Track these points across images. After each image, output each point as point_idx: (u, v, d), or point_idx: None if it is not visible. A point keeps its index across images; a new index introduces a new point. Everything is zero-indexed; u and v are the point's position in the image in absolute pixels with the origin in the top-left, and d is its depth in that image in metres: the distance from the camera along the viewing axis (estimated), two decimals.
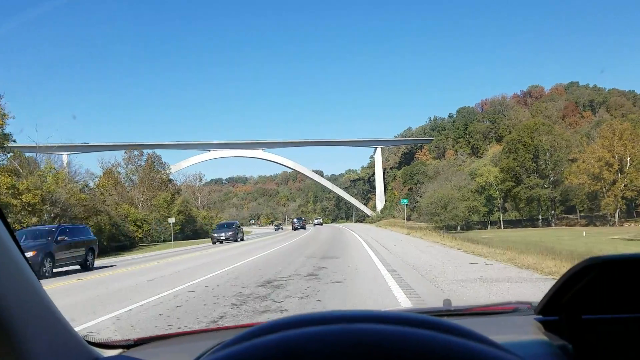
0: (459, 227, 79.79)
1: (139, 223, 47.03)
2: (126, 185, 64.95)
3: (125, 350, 1.74)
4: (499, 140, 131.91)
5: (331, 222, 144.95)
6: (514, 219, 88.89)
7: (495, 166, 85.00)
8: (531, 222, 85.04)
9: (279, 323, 0.62)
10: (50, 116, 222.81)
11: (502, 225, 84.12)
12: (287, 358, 0.56)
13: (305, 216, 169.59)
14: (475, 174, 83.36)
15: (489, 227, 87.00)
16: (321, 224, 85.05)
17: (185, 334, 2.02)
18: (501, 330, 1.55)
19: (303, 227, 58.58)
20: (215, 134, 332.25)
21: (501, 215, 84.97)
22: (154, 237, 59.12)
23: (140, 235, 47.42)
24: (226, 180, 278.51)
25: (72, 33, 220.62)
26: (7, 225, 1.02)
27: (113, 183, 55.53)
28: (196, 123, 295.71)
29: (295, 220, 64.09)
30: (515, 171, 78.44)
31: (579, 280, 1.17)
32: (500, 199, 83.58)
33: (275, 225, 63.67)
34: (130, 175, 67.47)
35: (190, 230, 69.20)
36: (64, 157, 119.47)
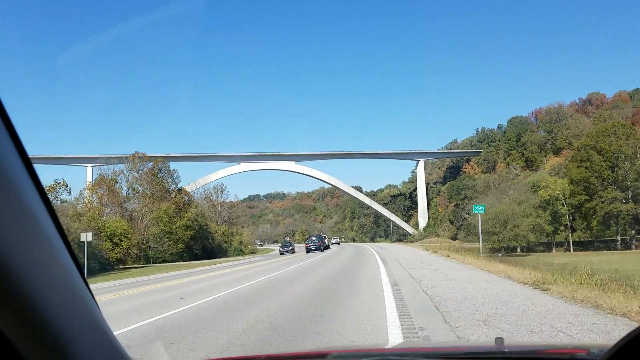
0: (518, 249, 66.03)
1: (116, 240, 36.32)
2: (128, 195, 54.70)
3: None
4: (556, 152, 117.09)
5: (369, 241, 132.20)
6: (582, 239, 74.17)
7: (561, 178, 70.90)
8: (604, 244, 70.31)
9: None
10: (75, 129, 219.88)
11: (570, 247, 69.71)
12: None
13: (342, 234, 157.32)
14: (538, 187, 69.42)
15: (553, 249, 72.62)
16: (339, 244, 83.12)
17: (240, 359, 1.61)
18: None
19: (320, 249, 44.83)
20: (246, 147, 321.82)
21: (570, 235, 70.56)
22: (152, 257, 48.30)
23: (117, 256, 36.62)
24: (264, 196, 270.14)
25: (91, 41, 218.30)
26: (61, 231, 0.96)
27: (102, 193, 45.20)
28: (226, 135, 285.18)
29: (310, 239, 48.36)
30: (589, 182, 64.30)
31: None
32: (569, 216, 69.28)
33: (282, 245, 53.13)
34: (134, 184, 57.29)
35: (200, 248, 58.27)
36: (88, 169, 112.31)
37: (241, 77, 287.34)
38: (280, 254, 46.47)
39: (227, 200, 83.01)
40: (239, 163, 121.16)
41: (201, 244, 60.78)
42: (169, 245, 50.51)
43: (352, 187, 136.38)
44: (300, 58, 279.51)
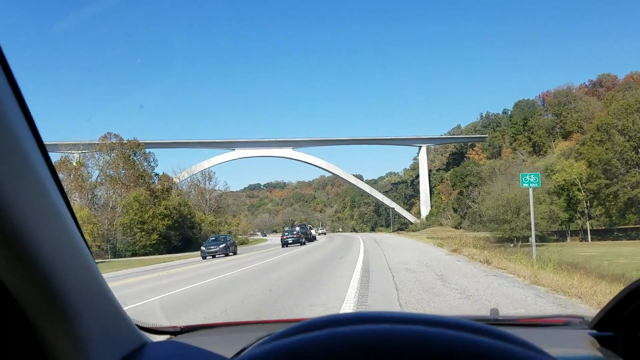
0: (530, 239, 59.48)
1: None
2: (99, 181, 48.32)
3: (173, 336, 1.74)
4: (565, 136, 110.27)
5: (368, 231, 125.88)
6: (597, 228, 67.59)
7: (577, 161, 64.25)
8: (624, 233, 63.80)
9: (327, 320, 0.59)
10: (64, 115, 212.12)
11: (589, 236, 63.18)
12: (333, 355, 0.53)
13: (342, 223, 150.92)
14: (552, 170, 62.79)
15: (568, 238, 66.10)
16: (324, 234, 79.48)
17: (232, 324, 2.01)
18: (553, 343, 1.46)
19: (300, 242, 35.89)
20: (241, 133, 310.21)
21: (588, 223, 63.98)
22: (121, 250, 41.99)
23: None
24: (264, 185, 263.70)
25: (88, 30, 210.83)
26: (71, 211, 1.01)
27: (62, 178, 38.80)
28: (220, 121, 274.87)
29: (288, 230, 40.00)
30: (610, 165, 57.62)
31: (636, 299, 1.09)
32: (586, 202, 62.68)
33: (286, 232, 41.53)
34: (106, 169, 50.88)
35: (179, 239, 51.92)
36: (75, 156, 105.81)
37: (236, 60, 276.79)
38: (283, 245, 35.34)
39: (216, 188, 76.54)
40: (234, 150, 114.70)
41: (182, 235, 54.46)
42: (140, 237, 44.28)
43: (353, 175, 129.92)
44: (299, 41, 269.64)
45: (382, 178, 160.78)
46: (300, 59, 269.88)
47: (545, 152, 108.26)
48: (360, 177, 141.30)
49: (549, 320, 1.77)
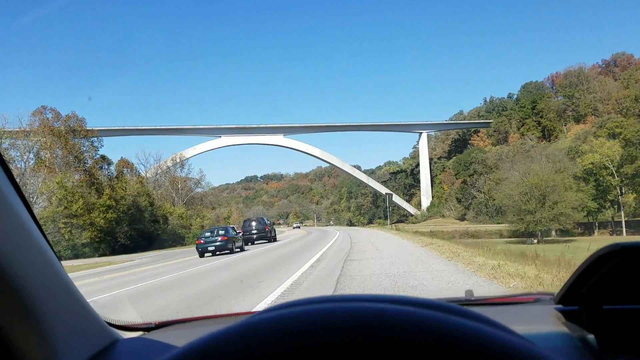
0: (553, 232, 49.11)
1: None
2: (29, 165, 37.90)
3: (146, 332, 1.63)
4: (578, 120, 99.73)
5: (366, 224, 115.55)
6: (630, 219, 57.09)
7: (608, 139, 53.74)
8: None
9: (303, 300, 0.58)
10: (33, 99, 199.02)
11: (623, 229, 52.73)
12: (290, 333, 0.50)
13: (339, 215, 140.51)
14: (577, 152, 52.28)
15: (595, 231, 55.65)
16: (299, 227, 72.37)
17: (207, 318, 1.94)
18: (521, 319, 1.48)
19: (228, 248, 22.55)
20: (228, 119, 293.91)
21: (623, 213, 53.48)
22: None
23: None
24: (261, 177, 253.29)
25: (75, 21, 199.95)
26: (28, 207, 0.98)
27: None
28: (205, 107, 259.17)
29: (209, 230, 24.83)
30: None
31: (600, 268, 1.09)
32: (620, 188, 52.19)
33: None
34: (42, 152, 40.44)
35: (127, 237, 41.49)
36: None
37: (222, 40, 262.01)
38: (202, 255, 22.38)
39: (190, 176, 66.08)
40: (220, 137, 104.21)
41: (138, 231, 44.13)
42: (65, 233, 34.06)
43: (353, 166, 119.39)
44: (290, 23, 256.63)
45: (380, 168, 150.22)
46: (291, 42, 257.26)
47: (557, 137, 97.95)
48: (358, 168, 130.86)
49: (519, 298, 1.77)
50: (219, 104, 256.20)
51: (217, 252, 22.52)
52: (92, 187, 38.74)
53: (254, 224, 32.69)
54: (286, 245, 26.02)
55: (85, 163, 42.20)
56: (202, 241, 22.83)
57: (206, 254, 22.60)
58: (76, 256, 34.10)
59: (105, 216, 38.02)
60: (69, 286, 1.06)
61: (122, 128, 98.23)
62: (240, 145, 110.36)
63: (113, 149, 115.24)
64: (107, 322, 1.24)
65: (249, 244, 31.16)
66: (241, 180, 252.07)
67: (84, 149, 42.40)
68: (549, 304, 1.51)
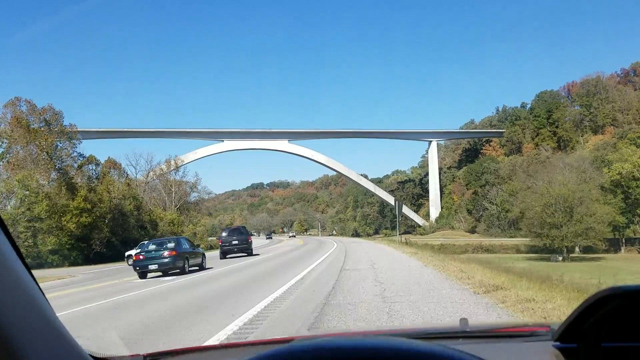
0: (577, 249, 44.04)
1: None
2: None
3: None
4: (595, 130, 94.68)
5: (371, 235, 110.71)
6: None
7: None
8: None
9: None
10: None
11: None
12: None
13: (344, 225, 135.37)
14: (603, 161, 47.31)
15: (622, 248, 50.49)
16: (294, 236, 67.33)
17: (198, 349, 1.85)
18: (519, 357, 1.47)
19: (180, 267, 17.30)
20: (231, 123, 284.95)
21: None
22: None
23: None
24: (267, 185, 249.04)
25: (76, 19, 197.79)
26: (6, 232, 0.93)
27: None
28: (208, 110, 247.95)
29: (146, 243, 19.61)
30: None
31: (599, 309, 1.08)
32: None
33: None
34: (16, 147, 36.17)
35: (103, 244, 36.99)
36: None
37: (226, 42, 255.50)
38: (142, 276, 17.51)
39: (186, 180, 61.68)
40: (222, 141, 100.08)
41: (120, 237, 39.65)
42: (26, 239, 29.61)
43: (361, 175, 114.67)
44: (299, 24, 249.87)
45: (387, 177, 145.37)
46: (297, 45, 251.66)
47: (573, 148, 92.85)
48: (364, 176, 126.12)
49: (515, 329, 1.76)
50: (222, 108, 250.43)
51: (164, 273, 17.16)
52: (64, 187, 34.27)
53: (234, 234, 27.91)
54: (261, 263, 20.60)
55: (62, 161, 37.81)
56: (141, 257, 17.15)
57: (151, 275, 17.28)
58: (40, 265, 29.70)
59: (78, 220, 33.59)
60: (48, 315, 0.95)
61: (122, 130, 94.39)
62: (244, 150, 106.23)
63: (112, 152, 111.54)
64: (91, 356, 1.11)
65: (227, 257, 26.59)
66: (247, 187, 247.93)
67: (61, 145, 38.13)
68: (546, 340, 1.43)
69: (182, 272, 17.16)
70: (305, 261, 19.65)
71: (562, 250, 38.47)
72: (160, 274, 17.38)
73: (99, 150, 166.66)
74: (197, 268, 18.73)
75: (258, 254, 29.09)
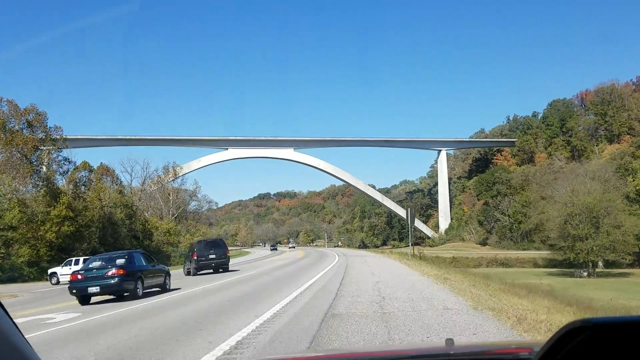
0: (600, 263, 40.46)
1: None
2: None
3: None
4: (611, 139, 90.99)
5: (378, 246, 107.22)
6: None
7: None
8: None
9: None
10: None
11: None
12: None
13: (351, 236, 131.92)
14: (627, 169, 43.92)
15: None
16: (294, 247, 67.84)
17: None
18: None
19: (128, 290, 13.95)
20: (236, 131, 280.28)
21: None
22: None
23: None
24: (274, 195, 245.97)
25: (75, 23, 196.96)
26: None
27: None
28: (212, 118, 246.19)
29: (94, 262, 14.29)
30: None
31: (571, 340, 1.09)
32: None
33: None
34: None
35: (90, 254, 33.97)
36: None
37: (232, 49, 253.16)
38: (83, 302, 13.84)
39: (184, 188, 58.83)
40: (227, 149, 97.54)
41: (109, 247, 36.78)
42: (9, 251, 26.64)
43: (365, 184, 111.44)
44: (301, 31, 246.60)
45: (395, 187, 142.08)
46: (303, 53, 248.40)
47: (587, 157, 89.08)
48: (372, 187, 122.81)
49: (499, 351, 1.79)
50: (227, 116, 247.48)
51: (109, 296, 13.91)
52: (45, 194, 31.49)
53: (211, 246, 24.43)
54: (236, 285, 16.64)
55: (45, 165, 35.08)
56: (79, 276, 13.52)
57: (95, 298, 14.02)
58: (12, 279, 26.78)
59: (59, 229, 30.79)
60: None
61: (124, 138, 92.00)
62: (249, 158, 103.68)
63: (115, 160, 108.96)
64: None
65: (198, 273, 23.43)
66: (254, 197, 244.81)
67: (44, 148, 35.39)
68: None
69: (133, 296, 13.71)
70: (281, 291, 13.95)
71: (587, 264, 35.08)
72: (106, 297, 14.03)
73: (102, 158, 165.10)
74: (157, 289, 15.51)
75: (238, 270, 25.59)
